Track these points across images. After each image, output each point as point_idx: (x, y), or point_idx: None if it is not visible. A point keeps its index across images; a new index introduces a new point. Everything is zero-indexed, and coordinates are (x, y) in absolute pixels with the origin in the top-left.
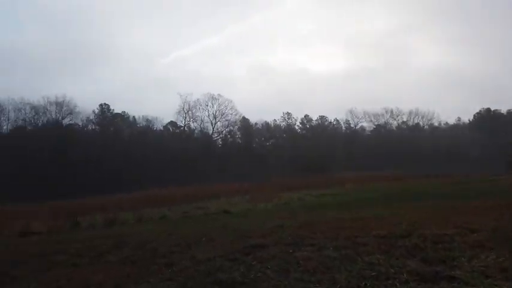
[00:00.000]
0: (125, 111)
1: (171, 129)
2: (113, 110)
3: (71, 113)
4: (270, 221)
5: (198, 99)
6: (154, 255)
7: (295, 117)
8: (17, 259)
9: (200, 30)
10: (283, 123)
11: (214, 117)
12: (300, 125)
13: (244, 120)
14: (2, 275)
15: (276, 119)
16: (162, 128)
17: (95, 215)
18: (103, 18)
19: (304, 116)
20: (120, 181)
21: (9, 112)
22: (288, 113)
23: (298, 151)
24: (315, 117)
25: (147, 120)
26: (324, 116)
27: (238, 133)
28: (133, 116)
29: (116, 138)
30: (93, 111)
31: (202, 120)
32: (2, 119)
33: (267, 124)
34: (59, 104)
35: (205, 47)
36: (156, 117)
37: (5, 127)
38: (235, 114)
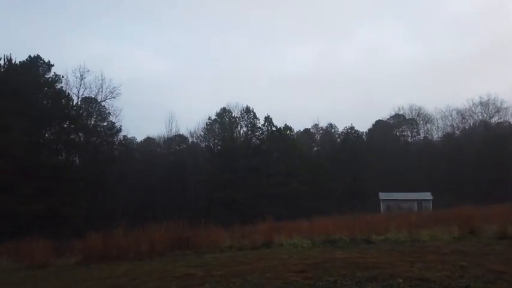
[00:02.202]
0: None
1: None
2: None
3: (498, 111)
4: None
5: None
6: None
7: None
8: None
9: None
10: None
11: None
12: None
13: None
14: None
15: None
16: None
17: None
18: None
19: None
20: None
21: (437, 121)
22: None
23: None
24: None
25: None
26: None
27: None
28: None
29: None
30: None
31: None
32: (432, 128)
33: None
34: (484, 104)
35: None
36: None
37: (435, 135)
38: None
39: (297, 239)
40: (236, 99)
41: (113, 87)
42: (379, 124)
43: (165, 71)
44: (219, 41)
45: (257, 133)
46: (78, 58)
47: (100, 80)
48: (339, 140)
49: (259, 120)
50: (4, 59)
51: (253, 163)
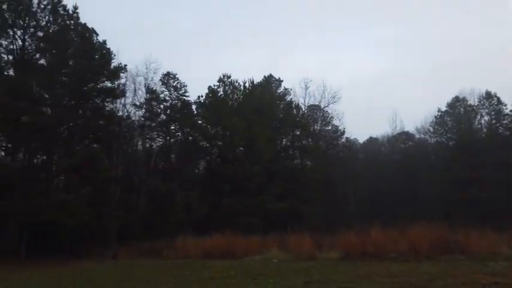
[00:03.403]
0: None
1: None
2: None
3: None
4: None
5: None
6: None
7: None
8: None
9: None
10: None
11: None
12: None
13: None
14: None
15: None
16: None
17: None
18: None
19: None
20: None
21: None
22: None
23: None
24: None
25: None
26: None
27: None
28: None
29: None
30: None
31: None
32: None
33: None
34: None
35: None
36: None
37: None
38: None
39: None
40: (471, 85)
41: (334, 92)
42: None
43: (383, 68)
44: (441, 26)
45: (504, 121)
46: (302, 71)
47: (322, 87)
48: None
49: (505, 106)
50: (248, 82)
51: (501, 157)
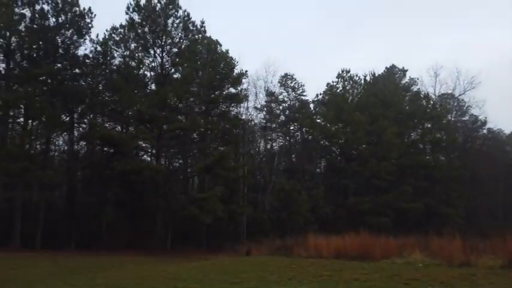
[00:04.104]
0: None
1: None
2: None
3: None
4: None
5: None
6: None
7: None
8: None
9: None
10: None
11: None
12: None
13: None
14: None
15: None
16: None
17: None
18: None
19: None
20: None
21: None
22: None
23: None
24: None
25: None
26: None
27: None
28: None
29: None
30: None
31: None
32: None
33: None
34: None
35: None
36: None
37: None
38: None
39: None
40: None
41: (471, 78)
42: None
43: None
44: None
45: None
46: (429, 58)
47: (455, 73)
48: None
49: None
50: (369, 75)
51: None
